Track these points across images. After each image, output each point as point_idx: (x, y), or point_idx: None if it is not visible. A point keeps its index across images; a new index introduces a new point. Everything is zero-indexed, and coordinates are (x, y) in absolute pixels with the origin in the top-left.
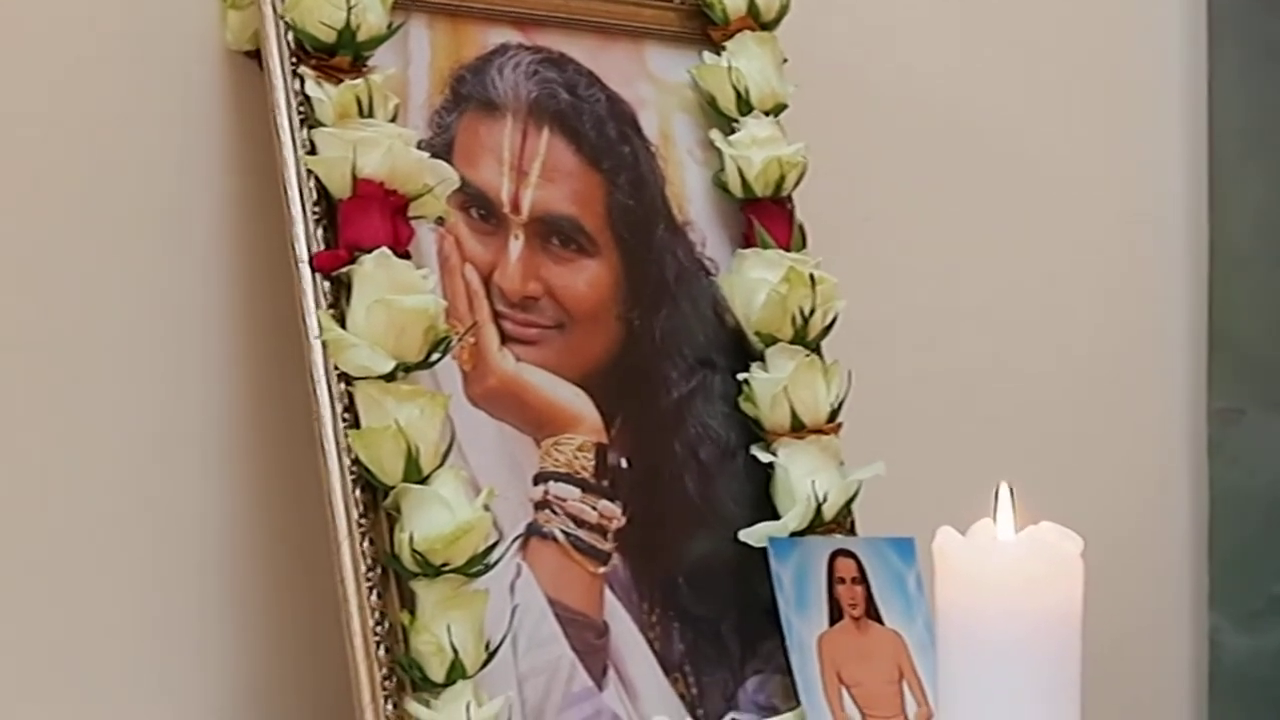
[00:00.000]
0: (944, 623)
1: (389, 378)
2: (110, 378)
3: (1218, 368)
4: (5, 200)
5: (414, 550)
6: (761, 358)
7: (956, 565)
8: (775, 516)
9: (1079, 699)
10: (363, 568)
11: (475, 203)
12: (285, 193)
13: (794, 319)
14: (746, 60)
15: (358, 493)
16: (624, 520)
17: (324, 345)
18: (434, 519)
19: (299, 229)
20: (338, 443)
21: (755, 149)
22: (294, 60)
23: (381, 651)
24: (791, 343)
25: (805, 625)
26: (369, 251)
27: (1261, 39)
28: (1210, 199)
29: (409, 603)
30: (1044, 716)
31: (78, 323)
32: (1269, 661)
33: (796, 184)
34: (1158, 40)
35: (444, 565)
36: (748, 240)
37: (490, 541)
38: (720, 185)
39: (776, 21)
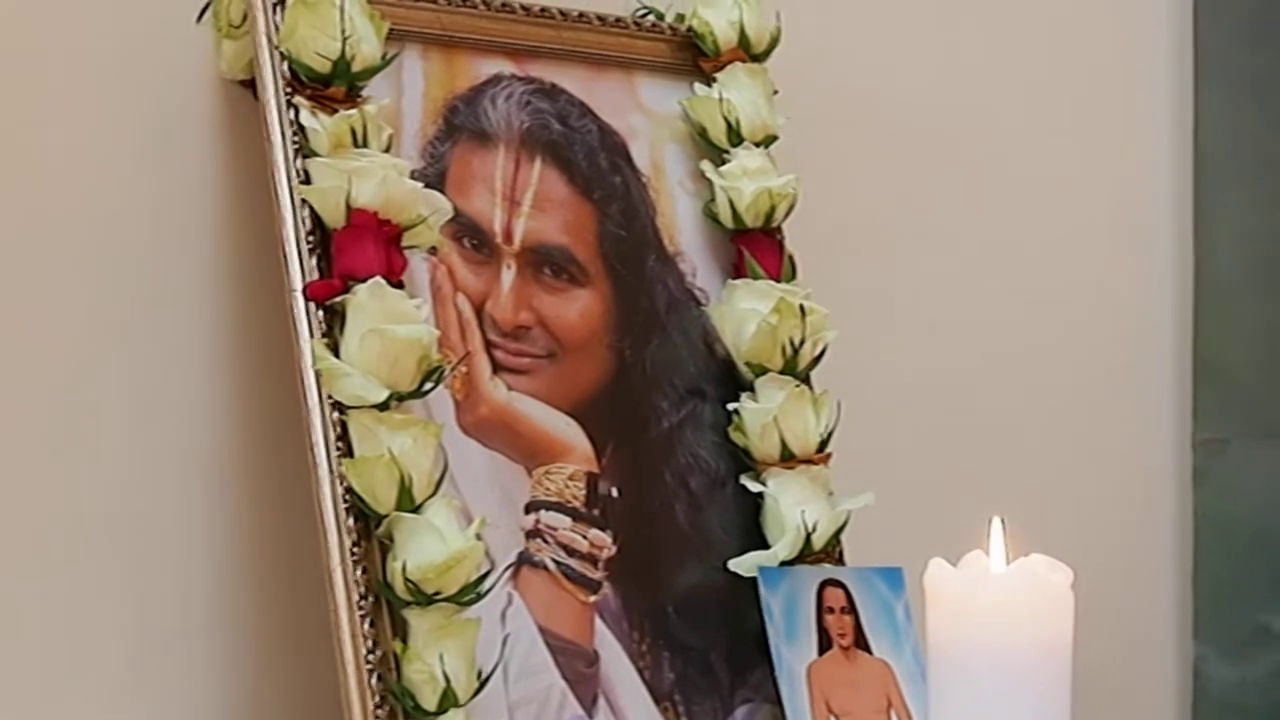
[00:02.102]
0: (935, 654)
1: (382, 407)
2: (103, 404)
3: (1203, 398)
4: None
5: (407, 579)
6: (751, 388)
7: (948, 597)
8: (764, 546)
9: None
10: (355, 596)
11: (468, 232)
12: (279, 222)
13: (784, 349)
14: (737, 92)
15: (351, 521)
16: (614, 549)
17: (318, 374)
18: (427, 548)
19: (293, 258)
20: (331, 471)
21: (746, 180)
22: (289, 90)
23: (374, 680)
24: (781, 373)
25: (794, 654)
26: (363, 281)
27: (1247, 72)
28: (1195, 230)
29: (401, 631)
30: None
31: (71, 350)
32: (1254, 691)
33: (787, 215)
34: (1145, 73)
35: (436, 594)
36: (738, 271)
37: (482, 570)
38: (711, 216)
39: (767, 53)
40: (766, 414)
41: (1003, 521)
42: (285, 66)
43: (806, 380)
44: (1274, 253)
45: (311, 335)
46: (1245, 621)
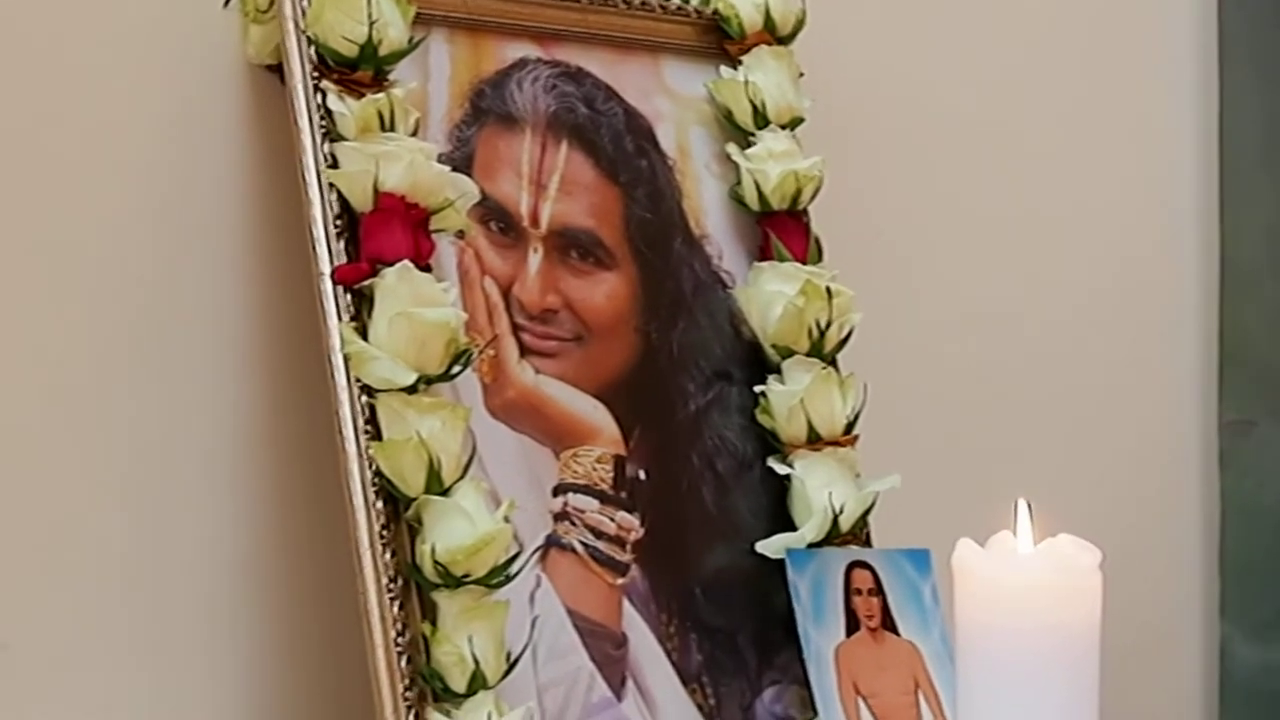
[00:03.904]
0: (963, 635)
1: (410, 390)
2: (131, 390)
3: (1229, 380)
4: (28, 213)
5: (435, 561)
6: (778, 370)
7: (976, 578)
8: (792, 528)
9: (1097, 709)
10: (384, 579)
11: (494, 216)
12: (307, 206)
13: (810, 331)
14: (763, 74)
15: (379, 504)
16: (642, 532)
17: (346, 358)
18: (455, 530)
19: (320, 242)
20: (359, 454)
21: (772, 162)
22: (316, 74)
23: (403, 662)
24: (808, 355)
25: (822, 636)
26: (390, 265)
27: (1272, 56)
28: (1221, 212)
29: (430, 614)
30: None
31: (97, 337)
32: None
33: (813, 197)
34: (1170, 58)
35: (465, 576)
36: (764, 253)
37: (511, 553)
38: (737, 199)
39: (793, 36)
40: (793, 396)
41: (1029, 504)
42: (312, 51)
43: (833, 362)
44: None
45: (340, 319)
46: (1271, 602)
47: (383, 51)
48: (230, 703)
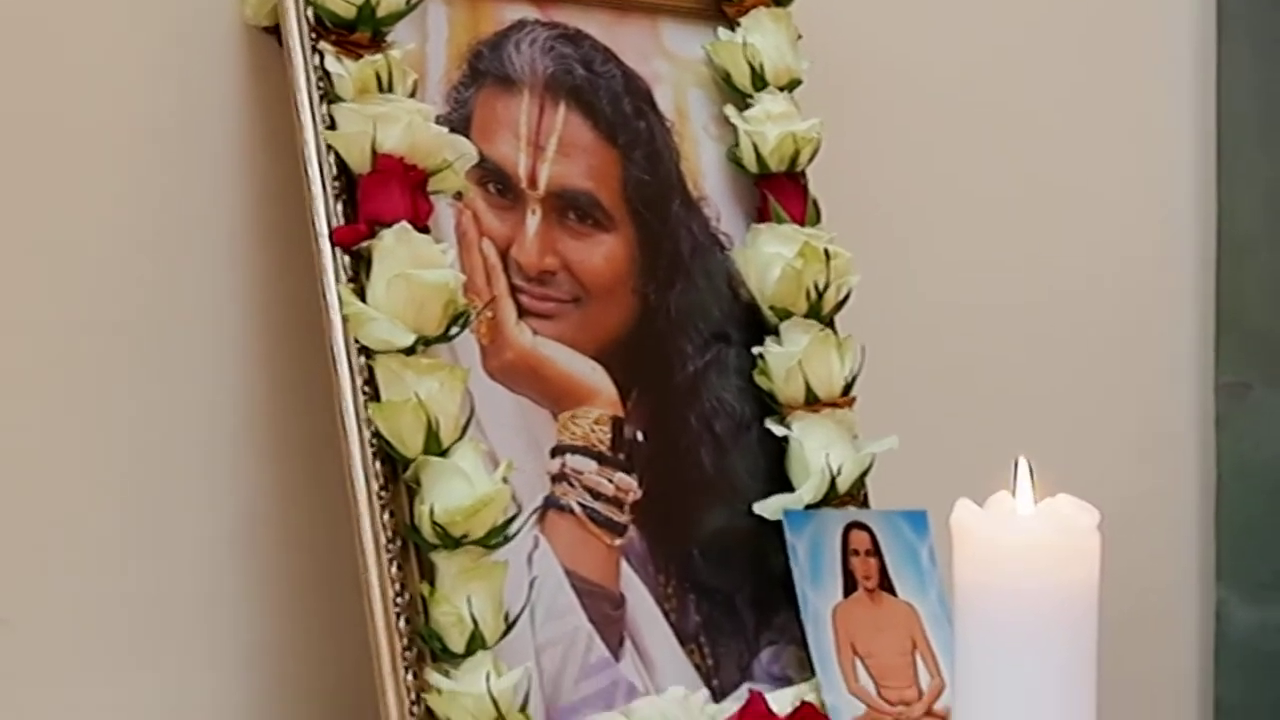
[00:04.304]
0: (961, 594)
1: (409, 351)
2: (128, 352)
3: (1225, 343)
4: (23, 175)
5: (434, 522)
6: (776, 332)
7: (975, 538)
8: (789, 489)
9: (1095, 670)
10: (383, 540)
11: (492, 178)
12: (305, 168)
13: (808, 293)
14: (761, 36)
15: (378, 465)
16: (640, 493)
17: (344, 319)
18: (454, 491)
19: (319, 204)
20: (358, 416)
21: (770, 124)
22: (313, 35)
23: (402, 623)
24: (806, 317)
25: (820, 597)
26: (389, 226)
27: (1270, 29)
28: (1219, 177)
29: (429, 574)
30: (1061, 687)
31: (92, 298)
32: (1276, 634)
33: (811, 159)
34: (1167, 25)
35: (463, 537)
36: (762, 215)
37: (509, 514)
38: (735, 160)
39: None
40: (791, 358)
41: (1029, 463)
42: (310, 12)
43: (831, 324)
44: None
45: (338, 280)
46: (1268, 565)
47: (380, 12)
48: (231, 664)
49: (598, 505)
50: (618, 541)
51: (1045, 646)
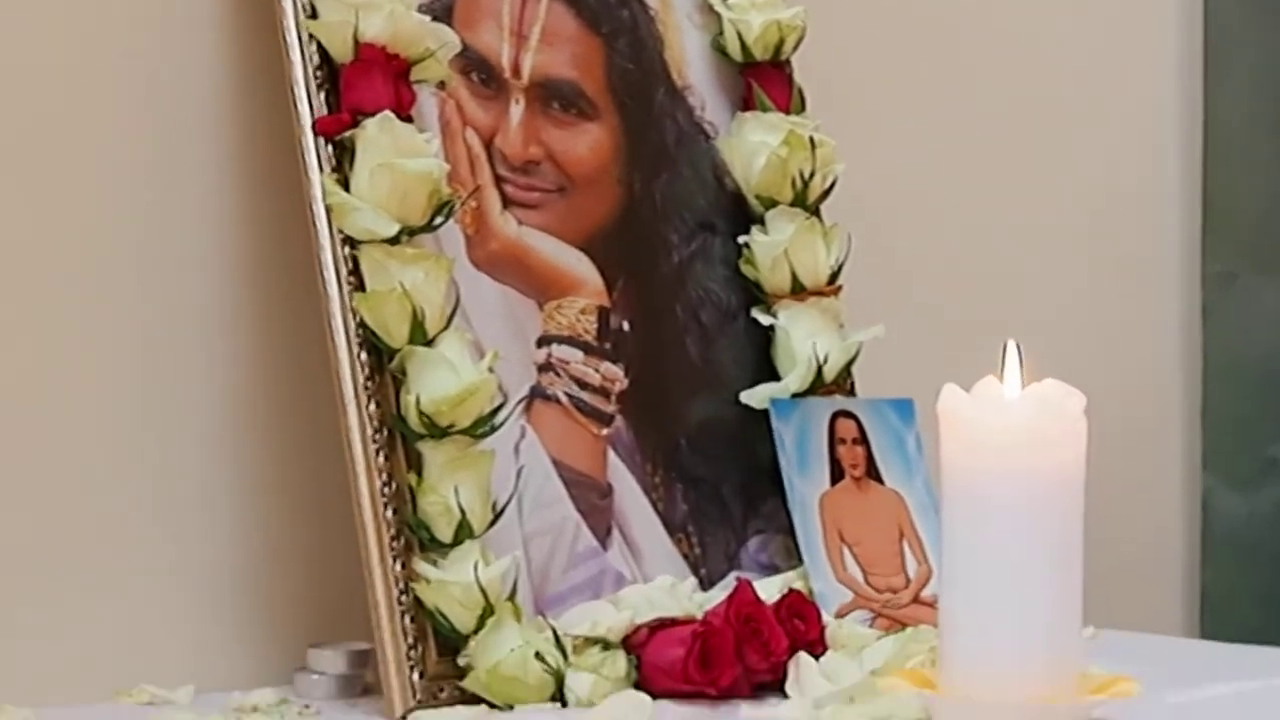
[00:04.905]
0: (949, 480)
1: (393, 241)
2: (110, 247)
3: (1211, 232)
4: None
5: (420, 412)
6: (761, 221)
7: (962, 422)
8: (776, 378)
9: (1081, 554)
10: (369, 430)
11: (476, 67)
12: (287, 57)
13: (794, 182)
14: None
15: (363, 356)
16: (626, 382)
17: (328, 209)
18: (440, 381)
19: (301, 94)
20: (343, 306)
21: (754, 12)
22: None
23: (389, 513)
24: (791, 205)
25: (807, 485)
26: (371, 115)
27: None
28: (1205, 64)
29: (416, 464)
30: (1048, 571)
31: (77, 195)
32: (1262, 523)
33: (795, 47)
34: None
35: (450, 427)
36: (747, 104)
37: (495, 403)
38: (719, 49)
39: None
40: (777, 247)
41: (1018, 347)
42: None
43: (816, 213)
44: None
45: (321, 171)
46: (1254, 454)
47: None
48: (217, 557)
49: (584, 395)
50: (605, 431)
51: (1032, 530)
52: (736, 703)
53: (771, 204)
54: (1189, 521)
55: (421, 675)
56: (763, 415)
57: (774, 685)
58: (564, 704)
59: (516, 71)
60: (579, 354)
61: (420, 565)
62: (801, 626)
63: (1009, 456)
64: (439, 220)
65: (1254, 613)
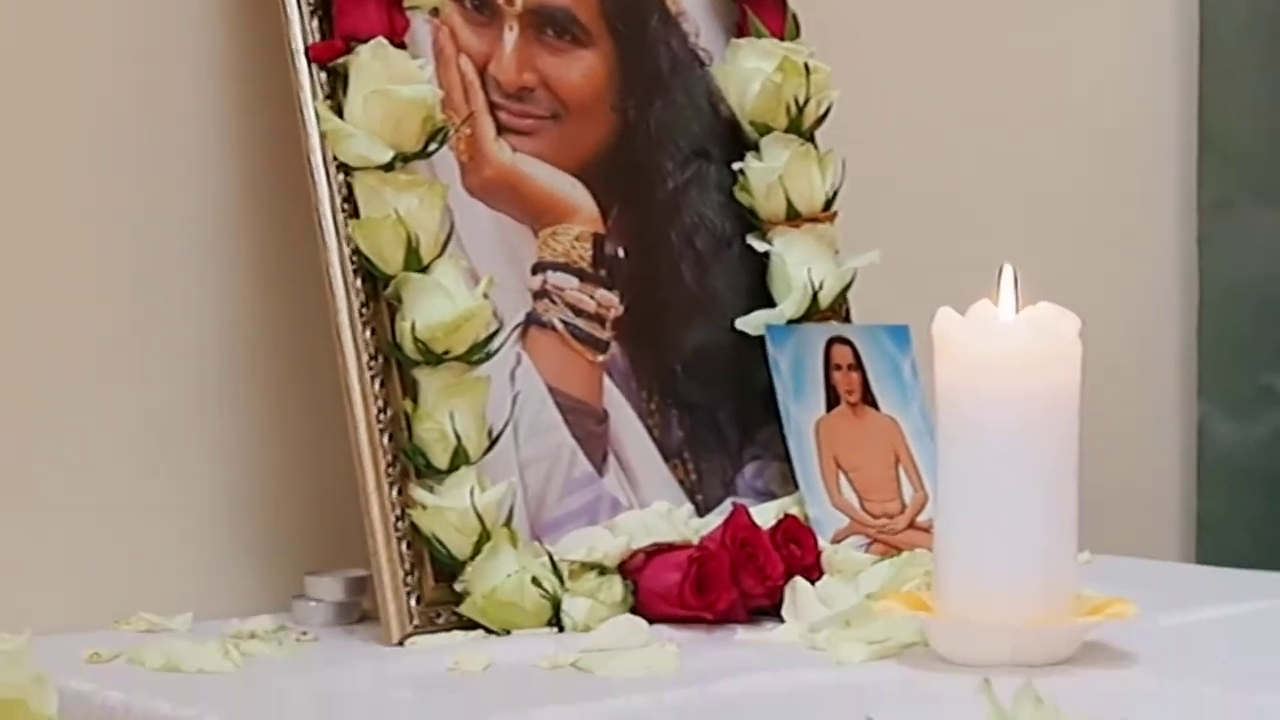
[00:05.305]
0: (944, 403)
1: (387, 167)
2: (106, 170)
3: (1208, 160)
4: None
5: (416, 338)
6: (756, 147)
7: (957, 345)
8: (771, 305)
9: (1077, 477)
10: (365, 357)
11: None
12: None
13: (788, 108)
14: None
15: (358, 283)
16: (621, 309)
17: (322, 136)
18: (435, 307)
19: (294, 20)
20: (337, 233)
21: None
22: None
23: (385, 440)
24: (786, 132)
25: (802, 412)
26: (365, 42)
27: None
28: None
29: (411, 391)
30: (1043, 494)
31: (74, 126)
32: (1257, 449)
33: None
34: None
35: (445, 353)
36: (741, 30)
37: (490, 329)
38: None
39: None
40: (771, 173)
41: (1014, 270)
42: None
43: (811, 139)
44: None
45: (315, 97)
46: (1249, 382)
47: None
48: (214, 482)
49: (579, 322)
50: (600, 358)
51: (1027, 453)
52: (732, 627)
53: (766, 130)
54: (1184, 448)
55: (418, 601)
56: (758, 342)
57: (770, 610)
58: (560, 629)
59: None
60: (574, 281)
61: (417, 491)
62: (797, 551)
63: (1004, 380)
64: (433, 147)
65: (1248, 539)
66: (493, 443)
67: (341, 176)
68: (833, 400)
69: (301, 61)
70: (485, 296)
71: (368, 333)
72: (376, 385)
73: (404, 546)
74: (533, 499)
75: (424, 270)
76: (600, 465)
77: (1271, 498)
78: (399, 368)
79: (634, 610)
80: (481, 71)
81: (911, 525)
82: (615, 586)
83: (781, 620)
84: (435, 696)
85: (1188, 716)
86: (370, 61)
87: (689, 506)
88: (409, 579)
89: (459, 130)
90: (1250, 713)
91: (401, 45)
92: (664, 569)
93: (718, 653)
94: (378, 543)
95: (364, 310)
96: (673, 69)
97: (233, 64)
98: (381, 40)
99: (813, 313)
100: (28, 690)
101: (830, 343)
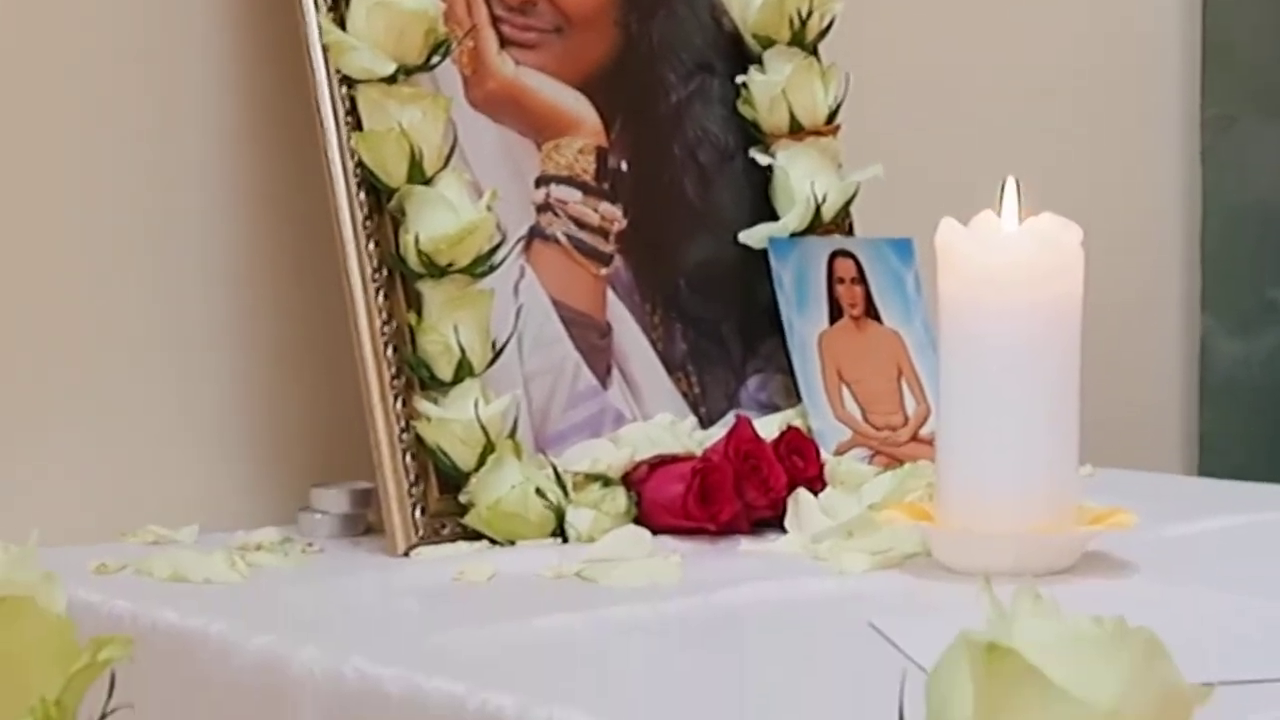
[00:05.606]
0: (946, 314)
1: (390, 80)
2: (120, 87)
3: (1210, 75)
4: None
5: (419, 251)
6: (759, 60)
7: (959, 256)
8: (774, 218)
9: (1078, 388)
10: (369, 270)
11: None
12: None
13: (791, 21)
14: None
15: (362, 196)
16: (625, 223)
17: (325, 49)
18: (439, 220)
19: None
20: (341, 147)
21: None
22: None
23: (389, 352)
24: (789, 45)
25: (805, 325)
26: None
27: None
28: None
29: (415, 304)
30: (1045, 405)
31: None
32: (1260, 366)
33: None
34: None
35: (449, 265)
36: None
37: (494, 242)
38: None
39: None
40: (775, 86)
41: (1017, 181)
42: None
43: (815, 52)
44: None
45: (317, 10)
46: (1252, 296)
47: None
48: (220, 398)
49: (583, 235)
50: (604, 271)
51: (1030, 364)
52: (736, 538)
53: (769, 43)
54: (1187, 363)
55: (423, 512)
56: (761, 255)
57: (773, 521)
58: (564, 539)
59: None
60: (577, 194)
61: (421, 404)
62: (800, 463)
63: (1006, 291)
64: (436, 59)
65: (1250, 454)
66: (496, 355)
67: (345, 89)
68: (835, 313)
69: None
70: (489, 209)
71: (371, 245)
72: (380, 298)
73: (409, 459)
74: (537, 411)
75: (427, 183)
76: (604, 378)
77: (1274, 413)
78: (403, 281)
79: (637, 521)
80: None
81: (914, 438)
82: (619, 498)
83: (784, 531)
84: (440, 606)
85: (1184, 618)
86: None
87: (692, 419)
88: (414, 491)
89: (462, 43)
90: (1238, 612)
91: None
92: (667, 480)
93: (721, 563)
94: (382, 455)
95: (368, 223)
96: None
97: None
98: None
99: (816, 226)
100: (36, 587)
101: (833, 256)
